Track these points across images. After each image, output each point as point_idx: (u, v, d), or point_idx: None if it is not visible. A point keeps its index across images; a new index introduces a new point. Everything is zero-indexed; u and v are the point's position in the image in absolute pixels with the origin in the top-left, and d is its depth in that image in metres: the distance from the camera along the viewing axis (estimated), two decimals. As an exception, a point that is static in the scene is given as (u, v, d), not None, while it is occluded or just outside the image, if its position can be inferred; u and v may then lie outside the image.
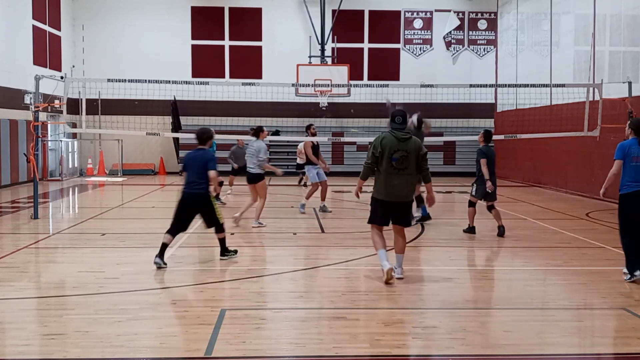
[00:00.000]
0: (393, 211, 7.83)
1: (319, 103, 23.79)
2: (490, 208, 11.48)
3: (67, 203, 17.52)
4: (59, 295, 7.31)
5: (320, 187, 14.48)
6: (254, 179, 12.35)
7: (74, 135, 25.31)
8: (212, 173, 8.59)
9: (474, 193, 11.60)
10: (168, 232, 8.72)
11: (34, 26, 22.75)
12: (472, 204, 11.66)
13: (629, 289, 7.70)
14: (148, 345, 5.56)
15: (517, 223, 13.14)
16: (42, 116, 20.36)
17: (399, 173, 7.67)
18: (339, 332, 5.94)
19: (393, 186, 7.67)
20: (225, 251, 9.09)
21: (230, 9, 27.03)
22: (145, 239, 10.79)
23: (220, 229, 8.98)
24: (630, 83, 13.94)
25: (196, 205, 8.76)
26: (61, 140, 24.03)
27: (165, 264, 8.51)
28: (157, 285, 7.80)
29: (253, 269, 8.75)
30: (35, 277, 8.35)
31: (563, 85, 16.44)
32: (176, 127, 25.70)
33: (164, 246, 8.60)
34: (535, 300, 7.30)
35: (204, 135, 8.91)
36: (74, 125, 21.92)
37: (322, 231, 12.09)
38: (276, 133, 24.21)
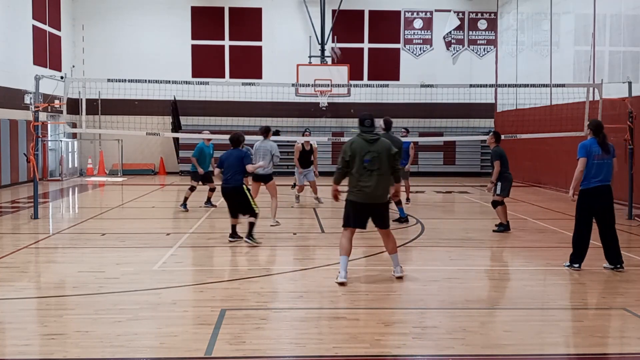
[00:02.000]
0: (369, 214, 7.86)
1: (319, 103, 23.79)
2: (499, 204, 11.87)
3: (67, 203, 17.52)
4: (59, 295, 7.31)
5: (309, 187, 15.10)
6: (267, 178, 12.50)
7: (74, 135, 25.32)
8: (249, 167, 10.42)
9: (499, 192, 11.81)
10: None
11: (34, 26, 22.75)
12: (499, 203, 11.88)
13: (629, 289, 7.70)
14: (148, 345, 5.56)
15: (517, 223, 13.13)
16: (42, 116, 20.36)
17: (372, 174, 7.68)
18: (339, 332, 5.94)
19: (366, 187, 7.68)
20: (251, 235, 10.25)
21: (230, 9, 27.03)
22: (145, 239, 10.79)
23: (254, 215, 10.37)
24: (630, 83, 13.93)
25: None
26: (61, 140, 24.03)
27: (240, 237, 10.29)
28: (157, 285, 7.80)
29: (253, 269, 8.76)
30: (35, 277, 8.35)
31: (563, 85, 16.44)
32: (176, 127, 25.70)
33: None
34: (535, 300, 7.31)
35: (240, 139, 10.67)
36: (74, 125, 21.93)
37: (322, 231, 12.09)
38: (276, 133, 24.16)
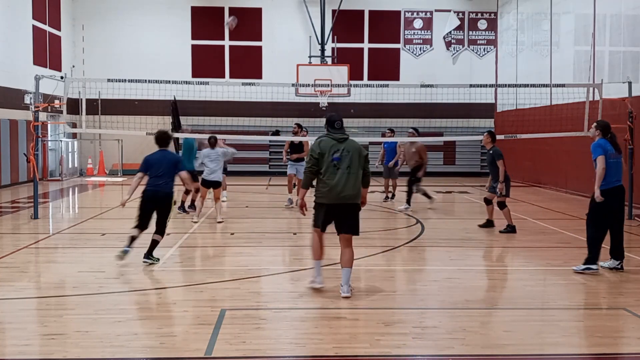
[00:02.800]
0: (339, 216, 7.25)
1: (319, 103, 23.76)
2: (505, 205, 11.89)
3: (67, 203, 17.52)
4: (59, 295, 7.31)
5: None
6: (217, 184, 12.94)
7: (74, 135, 25.31)
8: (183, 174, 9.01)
9: (504, 193, 11.76)
10: None
11: (34, 26, 22.75)
12: (504, 204, 11.88)
13: (629, 289, 7.70)
14: (148, 345, 5.57)
15: (517, 223, 13.12)
16: (42, 116, 20.35)
17: (341, 173, 7.14)
18: (339, 332, 5.94)
19: (337, 186, 7.13)
20: (151, 255, 8.87)
21: (230, 9, 27.01)
22: (146, 239, 10.78)
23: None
24: (630, 83, 13.93)
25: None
26: (61, 140, 24.03)
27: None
28: (157, 285, 7.80)
29: (253, 269, 8.75)
30: (35, 277, 8.35)
31: (563, 85, 16.43)
32: (176, 127, 25.66)
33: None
34: (535, 300, 7.31)
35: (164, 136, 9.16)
36: (74, 125, 21.92)
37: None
38: (276, 133, 24.23)
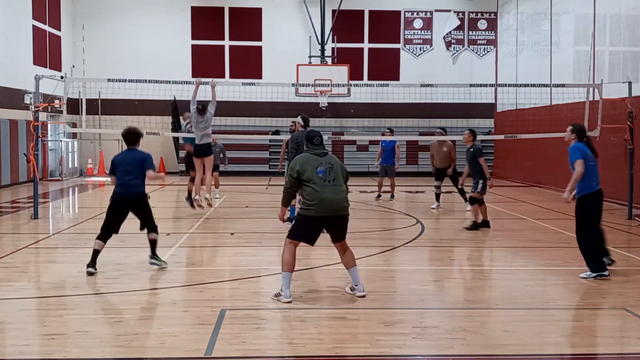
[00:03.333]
0: (332, 227, 7.19)
1: (319, 103, 23.76)
2: (481, 202, 12.03)
3: (67, 203, 17.52)
4: (59, 295, 7.31)
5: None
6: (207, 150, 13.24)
7: (74, 135, 25.31)
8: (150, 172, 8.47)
9: (479, 190, 11.91)
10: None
11: (34, 26, 22.74)
12: (478, 201, 12.01)
13: (629, 289, 7.70)
14: (148, 345, 5.57)
15: (517, 223, 13.14)
16: (42, 116, 20.34)
17: (329, 184, 7.03)
18: (339, 332, 5.94)
19: (326, 199, 6.98)
20: (156, 255, 8.58)
21: (230, 9, 27.02)
22: (145, 239, 10.77)
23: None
24: (630, 83, 13.92)
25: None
26: (61, 140, 24.02)
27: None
28: (157, 285, 7.80)
29: (253, 269, 8.75)
30: (35, 277, 8.35)
31: (563, 85, 16.42)
32: (176, 127, 25.68)
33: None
34: (535, 300, 7.31)
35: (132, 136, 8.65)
36: (74, 125, 21.91)
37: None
38: (276, 133, 24.22)
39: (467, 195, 12.10)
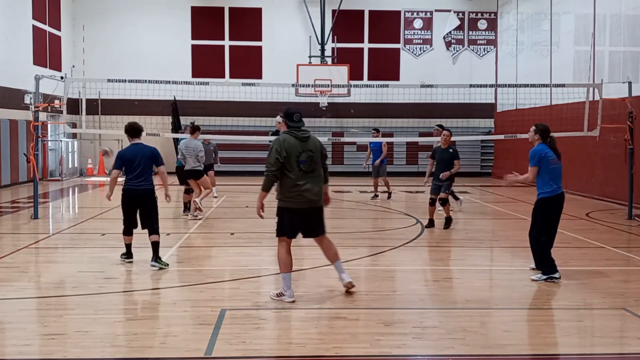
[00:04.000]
0: (309, 220, 7.05)
1: (319, 103, 23.78)
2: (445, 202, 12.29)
3: (67, 203, 17.52)
4: (59, 295, 7.31)
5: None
6: (197, 174, 13.22)
7: (74, 135, 25.31)
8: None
9: (448, 190, 12.34)
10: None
11: (34, 26, 22.74)
12: (447, 201, 12.33)
13: (629, 289, 7.70)
14: (148, 345, 5.57)
15: (517, 223, 13.13)
16: (42, 116, 20.35)
17: (309, 176, 6.89)
18: (339, 332, 5.94)
19: (306, 191, 6.86)
20: (159, 258, 8.60)
21: (230, 9, 27.02)
22: (145, 239, 10.76)
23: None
24: (630, 83, 13.93)
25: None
26: (61, 140, 24.03)
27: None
28: (157, 285, 7.80)
29: (253, 269, 8.75)
30: (35, 277, 8.35)
31: (563, 85, 16.42)
32: (176, 127, 25.68)
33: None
34: (535, 300, 7.31)
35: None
36: (74, 125, 21.92)
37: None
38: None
39: (442, 196, 12.14)
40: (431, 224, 12.21)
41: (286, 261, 7.01)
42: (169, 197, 8.80)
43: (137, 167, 8.55)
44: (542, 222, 8.11)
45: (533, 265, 8.34)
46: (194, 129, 13.55)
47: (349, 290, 7.25)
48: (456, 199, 15.39)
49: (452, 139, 12.51)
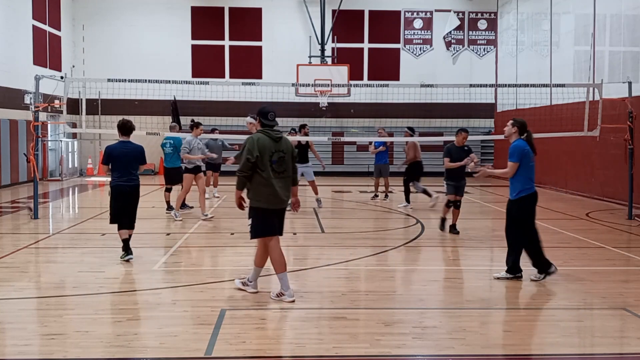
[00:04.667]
0: (276, 219, 7.05)
1: (319, 103, 23.78)
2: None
3: (67, 203, 17.51)
4: (59, 295, 7.30)
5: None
6: (197, 170, 13.34)
7: (74, 135, 25.31)
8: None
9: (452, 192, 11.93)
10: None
11: (34, 26, 22.75)
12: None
13: (629, 289, 7.70)
14: (148, 345, 5.57)
15: (517, 223, 13.12)
16: (42, 116, 20.35)
17: (280, 177, 6.92)
18: (339, 332, 5.94)
19: (278, 191, 6.89)
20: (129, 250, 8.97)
21: (230, 9, 27.02)
22: (145, 239, 10.78)
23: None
24: (630, 83, 13.93)
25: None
26: (61, 140, 24.02)
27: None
28: (157, 285, 7.79)
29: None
30: (35, 277, 8.35)
31: (563, 85, 16.42)
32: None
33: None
34: (535, 300, 7.31)
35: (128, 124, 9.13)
36: (74, 125, 21.92)
37: (322, 231, 12.09)
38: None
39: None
40: (445, 223, 11.67)
41: (280, 261, 7.00)
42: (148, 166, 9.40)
43: (125, 165, 8.89)
44: (522, 221, 8.02)
45: (534, 277, 8.09)
46: (195, 126, 13.56)
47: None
48: (429, 195, 15.46)
49: (452, 139, 12.47)
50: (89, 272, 8.31)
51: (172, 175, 14.05)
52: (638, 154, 14.13)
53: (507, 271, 8.09)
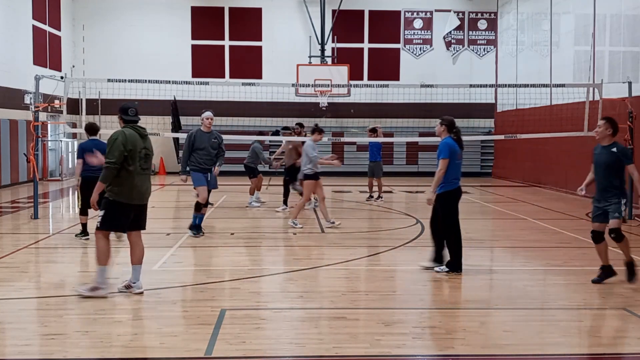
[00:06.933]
0: (139, 215, 7.15)
1: (319, 103, 23.76)
2: None
3: (67, 203, 17.51)
4: (59, 295, 7.30)
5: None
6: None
7: (74, 135, 25.29)
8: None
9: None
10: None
11: (34, 26, 22.74)
12: None
13: (629, 289, 7.70)
14: (148, 345, 5.57)
15: (517, 223, 13.14)
16: (42, 116, 20.34)
17: (144, 173, 7.07)
18: (339, 332, 5.94)
19: (142, 187, 7.02)
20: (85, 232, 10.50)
21: (230, 9, 27.02)
22: (145, 239, 10.74)
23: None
24: (630, 83, 13.93)
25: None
26: (61, 140, 24.03)
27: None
28: (157, 285, 7.79)
29: (253, 269, 8.76)
30: (35, 277, 8.35)
31: (563, 85, 16.43)
32: (176, 127, 25.70)
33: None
34: (535, 300, 7.30)
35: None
36: (74, 125, 21.89)
37: (322, 231, 12.09)
38: (276, 133, 24.16)
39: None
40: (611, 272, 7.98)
41: (106, 254, 7.06)
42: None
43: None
44: (451, 216, 8.30)
45: (425, 264, 8.43)
46: (318, 131, 12.71)
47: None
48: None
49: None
50: (89, 272, 8.30)
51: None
52: (638, 154, 14.11)
53: (447, 264, 8.31)
